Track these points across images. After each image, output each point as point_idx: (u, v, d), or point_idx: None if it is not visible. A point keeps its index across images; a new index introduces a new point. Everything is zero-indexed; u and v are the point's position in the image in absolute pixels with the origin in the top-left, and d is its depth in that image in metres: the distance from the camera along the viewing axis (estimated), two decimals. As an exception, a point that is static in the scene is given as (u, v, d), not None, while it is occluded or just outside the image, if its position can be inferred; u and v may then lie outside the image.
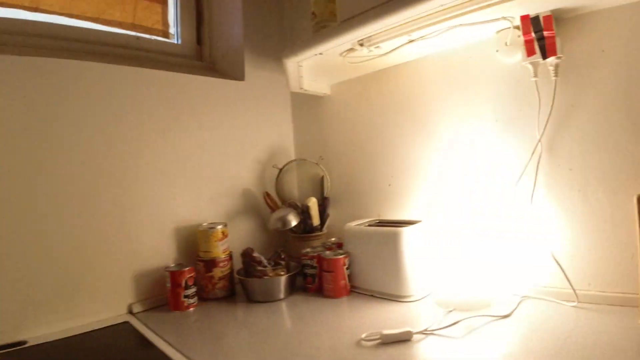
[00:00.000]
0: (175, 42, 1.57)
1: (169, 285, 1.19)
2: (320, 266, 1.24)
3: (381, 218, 1.38)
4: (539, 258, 1.05)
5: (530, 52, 0.98)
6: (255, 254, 1.29)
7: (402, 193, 1.36)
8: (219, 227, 1.31)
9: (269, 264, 1.29)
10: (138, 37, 1.46)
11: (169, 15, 1.56)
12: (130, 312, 1.20)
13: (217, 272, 1.28)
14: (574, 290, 0.98)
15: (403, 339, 0.87)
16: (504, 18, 1.00)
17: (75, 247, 1.13)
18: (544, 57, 0.97)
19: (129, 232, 1.23)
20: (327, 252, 1.25)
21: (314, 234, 1.49)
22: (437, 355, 0.81)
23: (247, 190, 1.56)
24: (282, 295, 1.24)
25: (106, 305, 1.17)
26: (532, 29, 0.96)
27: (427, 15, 0.99)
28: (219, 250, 1.30)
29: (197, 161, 1.41)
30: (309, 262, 1.27)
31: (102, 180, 1.19)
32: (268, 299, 1.23)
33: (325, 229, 1.52)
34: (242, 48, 1.55)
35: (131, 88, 1.27)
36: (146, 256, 1.26)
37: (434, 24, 1.02)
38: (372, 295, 1.18)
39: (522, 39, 0.99)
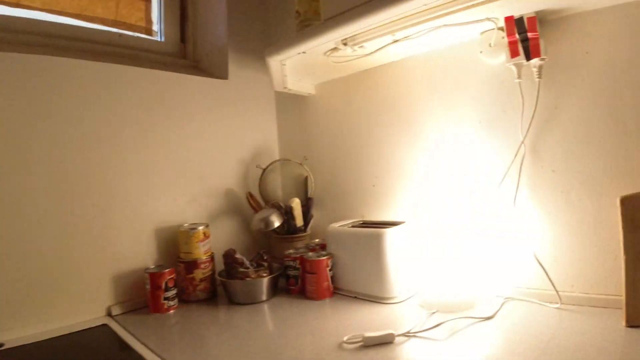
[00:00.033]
0: (159, 39, 1.54)
1: (148, 287, 1.17)
2: (303, 267, 1.23)
3: (365, 219, 1.37)
4: (522, 260, 1.05)
5: (514, 53, 0.98)
6: (238, 255, 1.27)
7: (387, 193, 1.36)
8: (201, 227, 1.29)
9: (252, 265, 1.28)
10: (120, 35, 1.43)
11: (153, 12, 1.53)
12: (109, 314, 1.17)
13: (199, 274, 1.26)
14: (557, 291, 0.98)
15: (385, 342, 0.86)
16: (488, 19, 1.00)
17: (53, 248, 1.10)
18: (528, 58, 0.97)
19: (108, 233, 1.20)
20: (310, 254, 1.24)
21: (297, 235, 1.47)
22: (419, 357, 0.81)
23: (230, 191, 1.54)
24: (264, 297, 1.22)
25: (84, 308, 1.14)
26: (516, 30, 0.96)
27: (411, 14, 0.99)
28: (201, 252, 1.28)
29: (179, 161, 1.38)
30: (291, 263, 1.26)
31: (80, 180, 1.16)
32: (250, 300, 1.21)
33: (309, 230, 1.51)
34: (227, 46, 1.53)
35: (112, 86, 1.24)
36: (126, 257, 1.23)
37: (418, 23, 1.02)
38: (355, 297, 1.17)
39: (506, 40, 0.99)
